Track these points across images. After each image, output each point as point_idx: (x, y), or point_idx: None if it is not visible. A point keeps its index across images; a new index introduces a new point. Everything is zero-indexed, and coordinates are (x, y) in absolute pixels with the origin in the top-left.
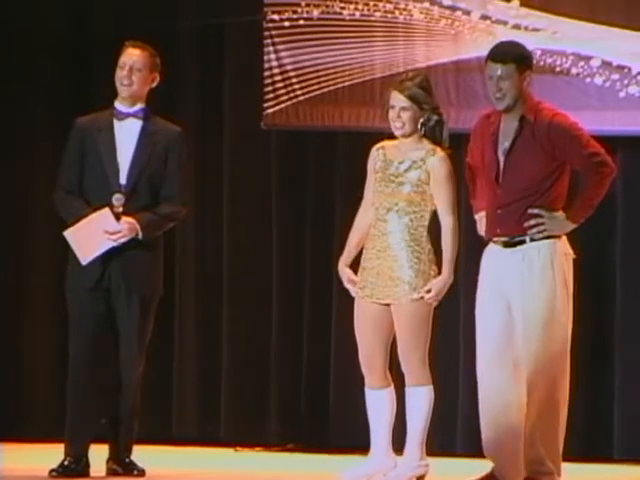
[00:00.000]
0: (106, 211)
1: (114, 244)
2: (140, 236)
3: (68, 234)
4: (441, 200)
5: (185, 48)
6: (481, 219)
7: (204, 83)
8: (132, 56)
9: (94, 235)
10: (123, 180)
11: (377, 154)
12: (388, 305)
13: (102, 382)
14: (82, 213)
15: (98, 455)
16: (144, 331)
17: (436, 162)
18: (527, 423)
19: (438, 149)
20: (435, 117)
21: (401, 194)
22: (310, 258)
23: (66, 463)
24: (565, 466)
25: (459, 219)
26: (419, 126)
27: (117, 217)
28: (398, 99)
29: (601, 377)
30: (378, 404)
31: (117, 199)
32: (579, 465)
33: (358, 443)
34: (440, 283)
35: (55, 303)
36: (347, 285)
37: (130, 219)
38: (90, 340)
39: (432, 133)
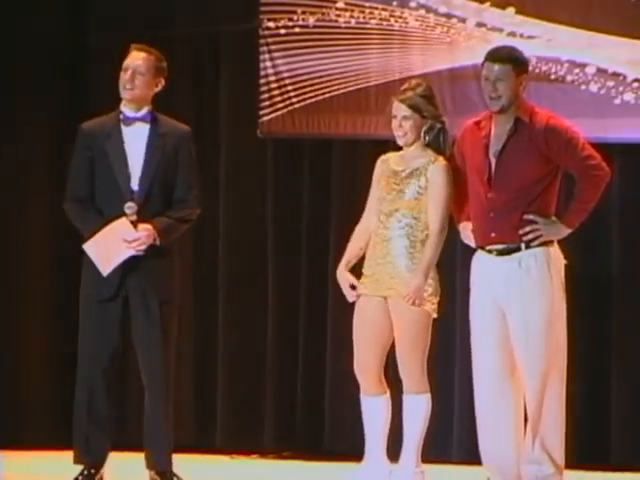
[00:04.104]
0: (124, 220)
1: (133, 252)
2: (158, 242)
3: (87, 246)
4: (432, 205)
5: (181, 56)
6: (465, 228)
7: (200, 91)
8: (136, 59)
9: (113, 245)
10: (135, 186)
11: (382, 165)
12: (387, 307)
13: (114, 396)
14: (98, 224)
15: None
16: (167, 334)
17: (435, 169)
18: (529, 426)
19: (440, 158)
20: (438, 125)
21: (402, 200)
22: (305, 265)
23: (86, 473)
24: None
25: (453, 227)
26: (422, 134)
27: (133, 225)
28: (400, 108)
29: (598, 383)
30: (373, 411)
31: (129, 207)
32: (576, 472)
33: (354, 450)
34: (411, 288)
35: (54, 310)
36: (346, 289)
37: (147, 226)
38: (108, 353)
39: (435, 141)
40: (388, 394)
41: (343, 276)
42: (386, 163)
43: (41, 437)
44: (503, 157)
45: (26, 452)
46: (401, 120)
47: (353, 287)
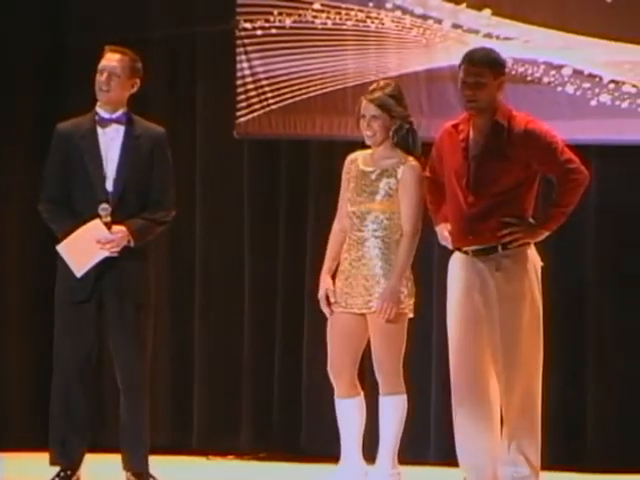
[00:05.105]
0: (97, 222)
1: (107, 254)
2: (132, 243)
3: (61, 248)
4: (404, 206)
5: (157, 57)
6: (442, 230)
7: (176, 92)
8: (111, 61)
9: (87, 247)
10: (110, 187)
11: (350, 165)
12: (362, 315)
13: (90, 397)
14: (72, 226)
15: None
16: (143, 337)
17: (406, 170)
18: (506, 428)
19: (410, 158)
20: (406, 125)
21: (374, 202)
22: (282, 266)
23: (62, 474)
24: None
25: (425, 228)
26: (390, 134)
27: (107, 226)
28: (368, 108)
29: (574, 385)
30: (347, 413)
31: (103, 209)
32: (552, 473)
33: (331, 451)
34: (386, 291)
35: (31, 311)
36: (321, 296)
37: (121, 227)
38: (83, 354)
39: (404, 142)
40: (362, 396)
41: (324, 281)
42: (355, 163)
43: (20, 438)
44: (481, 161)
45: (4, 453)
46: (370, 119)
47: (328, 297)
